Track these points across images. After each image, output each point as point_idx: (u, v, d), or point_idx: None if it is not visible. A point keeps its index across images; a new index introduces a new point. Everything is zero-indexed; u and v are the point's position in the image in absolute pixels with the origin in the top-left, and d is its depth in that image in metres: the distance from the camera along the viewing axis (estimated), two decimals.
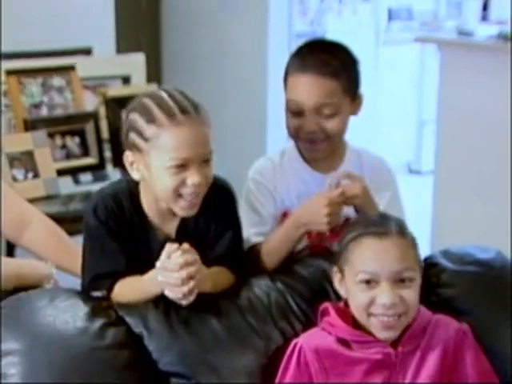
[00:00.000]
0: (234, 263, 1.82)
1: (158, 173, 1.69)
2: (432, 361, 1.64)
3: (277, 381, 1.66)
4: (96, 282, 1.77)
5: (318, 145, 1.95)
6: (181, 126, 1.66)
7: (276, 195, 1.98)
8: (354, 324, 1.67)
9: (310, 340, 1.66)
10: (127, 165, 1.74)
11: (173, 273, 1.64)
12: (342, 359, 1.63)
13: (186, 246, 1.67)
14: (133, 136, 1.70)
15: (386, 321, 1.60)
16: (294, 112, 1.93)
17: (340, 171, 1.93)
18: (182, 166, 1.67)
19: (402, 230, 1.64)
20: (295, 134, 1.95)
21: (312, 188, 1.93)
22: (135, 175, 1.74)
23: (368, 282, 1.61)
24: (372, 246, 1.62)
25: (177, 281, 1.63)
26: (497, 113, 3.74)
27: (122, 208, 1.75)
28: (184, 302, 1.68)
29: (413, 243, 1.65)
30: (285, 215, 1.98)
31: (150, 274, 1.71)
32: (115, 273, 1.75)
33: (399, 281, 1.60)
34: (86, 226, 1.77)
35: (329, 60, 1.92)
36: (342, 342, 1.65)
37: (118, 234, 1.74)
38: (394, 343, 1.65)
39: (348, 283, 1.66)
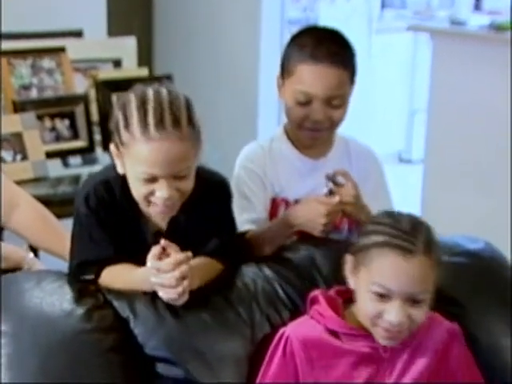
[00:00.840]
0: (226, 259, 1.80)
1: (131, 178, 1.67)
2: (421, 360, 1.63)
3: (262, 369, 1.65)
4: (83, 268, 1.75)
5: (322, 133, 1.96)
6: (152, 141, 1.58)
7: (266, 181, 1.98)
8: (343, 316, 1.65)
9: (298, 329, 1.65)
10: (113, 156, 1.71)
11: (166, 274, 1.61)
12: (330, 350, 1.62)
13: (174, 246, 1.64)
14: (114, 133, 1.66)
15: (389, 333, 1.59)
16: (301, 102, 1.91)
17: (340, 170, 1.92)
18: (152, 179, 1.62)
19: (429, 249, 1.57)
20: (300, 122, 1.94)
21: (302, 173, 1.94)
22: (118, 168, 1.71)
23: (381, 295, 1.57)
24: (395, 263, 1.55)
25: (171, 281, 1.61)
26: (488, 102, 3.75)
27: (113, 197, 1.72)
28: (178, 303, 1.66)
29: (437, 263, 1.59)
30: (274, 201, 1.98)
31: (142, 271, 1.68)
32: (102, 260, 1.73)
33: (412, 300, 1.57)
34: (77, 212, 1.75)
35: (339, 50, 1.93)
36: (331, 332, 1.64)
37: (108, 223, 1.72)
38: None
39: (361, 284, 1.61)
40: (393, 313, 1.56)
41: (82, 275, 1.75)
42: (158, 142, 1.59)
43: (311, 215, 1.83)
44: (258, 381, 1.65)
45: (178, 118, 1.60)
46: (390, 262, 1.56)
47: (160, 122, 1.59)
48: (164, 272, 1.61)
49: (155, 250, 1.63)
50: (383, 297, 1.57)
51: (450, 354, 1.66)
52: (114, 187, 1.72)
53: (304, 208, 1.86)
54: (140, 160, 1.61)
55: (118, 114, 1.65)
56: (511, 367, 1.80)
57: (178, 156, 1.61)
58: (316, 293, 1.70)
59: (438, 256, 1.61)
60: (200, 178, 1.73)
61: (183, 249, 1.65)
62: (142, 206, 1.70)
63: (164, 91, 1.63)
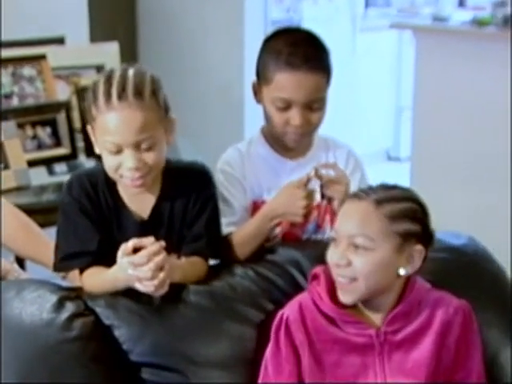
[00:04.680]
0: (211, 243, 1.81)
1: (101, 151, 1.73)
2: (426, 343, 1.62)
3: (269, 350, 1.65)
4: (67, 261, 1.77)
5: (304, 136, 1.96)
6: (113, 110, 1.66)
7: (245, 184, 1.97)
8: None
9: (296, 311, 1.65)
10: (91, 138, 1.77)
11: (141, 267, 1.61)
12: (324, 335, 1.63)
13: (149, 238, 1.65)
14: (87, 112, 1.73)
15: (338, 281, 1.60)
16: (281, 108, 1.91)
17: (329, 162, 1.92)
18: (118, 149, 1.68)
19: (382, 200, 1.59)
20: (282, 128, 1.93)
21: (281, 174, 1.93)
22: (96, 149, 1.76)
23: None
24: (344, 206, 1.64)
25: (147, 274, 1.62)
26: (472, 97, 3.75)
27: (96, 188, 1.77)
28: (157, 294, 1.66)
29: (390, 216, 1.58)
30: (255, 204, 1.97)
31: (113, 271, 1.69)
32: (87, 253, 1.75)
33: (353, 245, 1.57)
34: (61, 204, 1.79)
35: (315, 54, 1.92)
36: (326, 316, 1.64)
37: (90, 212, 1.76)
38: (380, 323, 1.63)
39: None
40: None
41: (65, 269, 1.78)
42: (119, 110, 1.66)
43: (290, 201, 1.84)
44: (263, 364, 1.65)
45: (139, 89, 1.67)
46: (343, 206, 1.66)
47: (122, 92, 1.66)
48: (139, 265, 1.61)
49: (124, 247, 1.64)
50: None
51: (451, 332, 1.65)
52: (98, 179, 1.78)
53: (281, 196, 1.86)
54: (105, 130, 1.68)
55: (88, 93, 1.72)
56: (500, 359, 1.81)
57: (139, 125, 1.66)
58: (318, 270, 1.69)
59: (395, 210, 1.59)
60: (179, 168, 1.80)
61: (166, 238, 1.68)
62: (115, 179, 1.75)
63: (131, 68, 1.72)
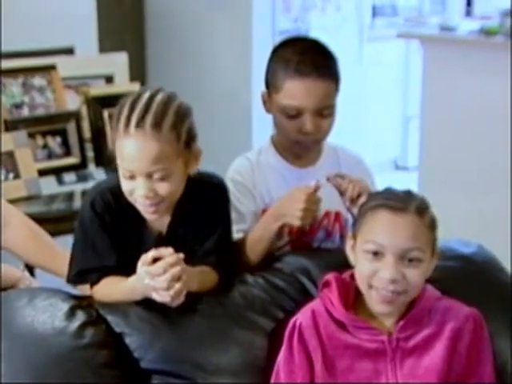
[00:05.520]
0: (221, 259, 1.81)
1: (120, 174, 1.71)
2: (438, 350, 1.63)
3: (281, 356, 1.65)
4: (83, 276, 1.77)
5: (314, 143, 1.97)
6: (130, 137, 1.65)
7: (255, 193, 1.98)
8: (357, 299, 1.66)
9: (309, 317, 1.65)
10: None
11: (158, 277, 1.62)
12: (336, 341, 1.63)
13: (167, 249, 1.66)
14: (112, 131, 1.72)
15: (384, 295, 1.59)
16: (291, 115, 1.92)
17: (340, 173, 1.92)
18: (131, 176, 1.68)
19: (421, 210, 1.61)
20: (293, 136, 1.94)
21: (291, 183, 1.94)
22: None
23: (375, 253, 1.58)
24: (386, 218, 1.59)
25: (163, 284, 1.62)
26: (479, 107, 3.75)
27: (119, 202, 1.75)
28: (173, 305, 1.67)
29: (430, 225, 1.62)
30: (264, 212, 1.97)
31: (131, 280, 1.70)
32: (104, 267, 1.75)
33: (406, 259, 1.58)
34: (81, 218, 1.77)
35: (323, 61, 1.93)
36: (338, 322, 1.64)
37: (112, 227, 1.75)
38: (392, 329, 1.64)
39: (357, 250, 1.64)
40: (386, 269, 1.57)
41: (80, 283, 1.78)
42: (135, 138, 1.64)
43: (290, 202, 1.84)
44: (274, 369, 1.66)
45: (158, 120, 1.65)
46: (382, 218, 1.60)
47: (141, 120, 1.64)
48: (156, 276, 1.62)
49: (144, 257, 1.65)
50: (377, 255, 1.59)
51: (463, 339, 1.65)
52: (120, 193, 1.75)
53: (285, 197, 1.87)
54: (121, 155, 1.68)
55: (114, 114, 1.71)
56: (510, 368, 1.81)
57: (152, 155, 1.65)
58: (330, 277, 1.70)
59: (433, 220, 1.63)
60: (198, 181, 1.77)
61: (183, 251, 1.68)
62: (132, 202, 1.73)
63: (160, 94, 1.69)
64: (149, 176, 1.66)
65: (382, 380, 1.62)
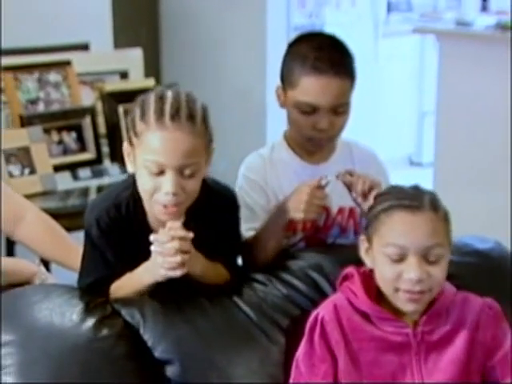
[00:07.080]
0: (231, 261, 1.82)
1: (140, 170, 1.68)
2: (459, 342, 1.63)
3: (299, 351, 1.65)
4: (94, 287, 1.77)
5: (329, 140, 1.97)
6: (165, 129, 1.62)
7: (268, 190, 1.97)
8: (378, 293, 1.65)
9: (331, 311, 1.64)
10: (125, 156, 1.74)
11: (165, 244, 1.64)
12: (361, 333, 1.62)
13: (176, 222, 1.67)
14: (129, 128, 1.70)
15: (411, 295, 1.58)
16: (306, 112, 1.91)
17: (349, 169, 1.91)
18: (159, 171, 1.64)
19: (435, 205, 1.60)
20: (307, 132, 1.93)
21: (303, 179, 1.93)
22: (129, 167, 1.73)
23: (396, 255, 1.58)
24: (404, 219, 1.58)
25: (170, 250, 1.63)
26: (496, 103, 3.73)
27: (125, 216, 1.74)
28: (176, 274, 1.66)
29: (445, 218, 1.62)
30: None
31: (144, 265, 1.71)
32: (114, 274, 1.76)
33: (429, 257, 1.58)
34: (88, 234, 1.76)
35: (340, 58, 1.92)
36: (362, 314, 1.64)
37: (119, 243, 1.74)
38: (415, 322, 1.63)
39: (375, 254, 1.63)
40: (411, 270, 1.56)
41: (93, 293, 1.76)
42: (171, 131, 1.62)
43: (294, 195, 1.84)
44: (294, 364, 1.65)
45: (193, 113, 1.65)
46: (399, 219, 1.59)
47: (176, 113, 1.63)
48: (162, 242, 1.64)
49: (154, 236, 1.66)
50: (398, 257, 1.58)
51: (482, 328, 1.65)
52: (126, 206, 1.74)
53: (291, 192, 1.87)
54: (151, 148, 1.64)
55: (135, 109, 1.69)
56: None
57: (188, 149, 1.63)
58: (351, 270, 1.69)
59: (446, 213, 1.62)
60: (210, 189, 1.76)
61: None
62: (148, 204, 1.71)
63: (182, 92, 1.69)
64: (180, 171, 1.64)
65: (406, 374, 1.62)
